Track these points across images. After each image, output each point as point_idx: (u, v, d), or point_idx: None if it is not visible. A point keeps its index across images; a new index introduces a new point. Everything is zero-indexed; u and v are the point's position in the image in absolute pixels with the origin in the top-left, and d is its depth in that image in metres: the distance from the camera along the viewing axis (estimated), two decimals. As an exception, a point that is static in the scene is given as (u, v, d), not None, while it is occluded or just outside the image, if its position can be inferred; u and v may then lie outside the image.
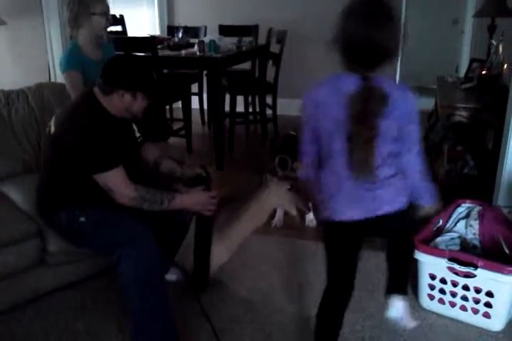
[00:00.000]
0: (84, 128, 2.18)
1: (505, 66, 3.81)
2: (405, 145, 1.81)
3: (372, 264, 2.88)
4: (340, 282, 2.06)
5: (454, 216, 2.80)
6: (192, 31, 5.67)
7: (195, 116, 5.53)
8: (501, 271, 2.25)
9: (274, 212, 3.47)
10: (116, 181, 2.20)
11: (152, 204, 2.23)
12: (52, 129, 2.29)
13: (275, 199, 3.05)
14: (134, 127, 2.48)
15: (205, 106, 5.83)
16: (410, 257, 2.25)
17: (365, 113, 1.71)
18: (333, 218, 1.87)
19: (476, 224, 2.71)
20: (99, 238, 2.27)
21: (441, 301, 2.49)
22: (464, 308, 2.43)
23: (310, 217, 3.49)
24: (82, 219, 2.25)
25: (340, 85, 1.79)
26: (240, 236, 2.79)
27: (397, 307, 2.08)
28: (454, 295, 2.43)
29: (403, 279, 2.16)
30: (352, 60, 1.74)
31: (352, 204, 1.84)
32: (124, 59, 2.41)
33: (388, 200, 1.84)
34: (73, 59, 3.21)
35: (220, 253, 2.68)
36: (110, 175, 2.19)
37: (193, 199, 2.39)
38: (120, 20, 5.65)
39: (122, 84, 2.23)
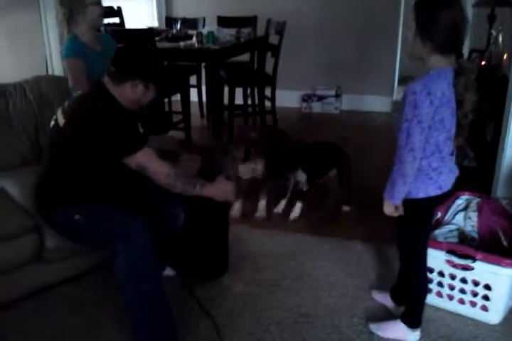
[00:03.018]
0: (103, 115, 2.18)
1: (505, 56, 3.79)
2: None
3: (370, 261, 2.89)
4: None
5: (453, 208, 2.79)
6: (190, 23, 5.65)
7: (194, 109, 5.51)
8: (499, 264, 2.25)
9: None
10: (150, 159, 2.20)
11: (186, 185, 2.26)
12: (62, 121, 2.26)
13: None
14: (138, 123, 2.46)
15: (204, 99, 5.80)
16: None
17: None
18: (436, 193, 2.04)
19: (474, 216, 2.70)
20: (94, 234, 2.27)
21: (439, 294, 2.48)
22: (462, 301, 2.43)
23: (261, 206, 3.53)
24: (77, 216, 2.24)
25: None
26: None
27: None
28: (452, 288, 2.43)
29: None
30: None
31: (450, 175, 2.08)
32: (138, 49, 2.44)
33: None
34: (73, 47, 3.21)
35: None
36: (143, 154, 2.18)
37: (222, 189, 2.42)
38: (118, 12, 5.61)
39: (139, 74, 2.24)
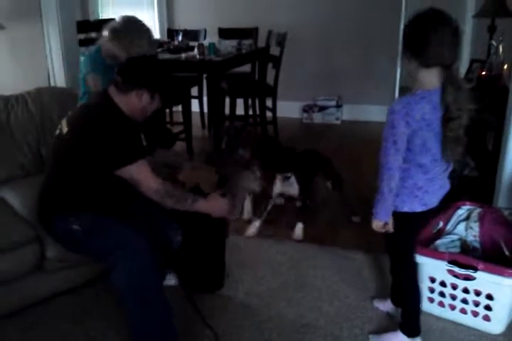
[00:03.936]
0: (105, 124, 2.19)
1: (506, 66, 3.80)
2: None
3: (371, 271, 2.88)
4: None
5: (454, 218, 2.78)
6: (192, 34, 5.68)
7: (195, 120, 5.52)
8: (501, 274, 2.24)
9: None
10: (142, 173, 2.20)
11: (177, 201, 2.25)
12: (65, 130, 2.27)
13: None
14: (142, 136, 2.46)
15: (205, 110, 5.82)
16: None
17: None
18: (420, 209, 2.09)
19: (476, 227, 2.70)
20: (92, 245, 2.26)
21: (441, 304, 2.47)
22: (463, 311, 2.42)
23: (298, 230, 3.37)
24: (76, 226, 2.24)
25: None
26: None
27: None
28: (453, 297, 2.42)
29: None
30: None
31: (437, 192, 2.12)
32: (146, 60, 2.46)
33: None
34: (96, 62, 3.08)
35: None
36: (136, 167, 2.18)
37: (216, 206, 2.41)
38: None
39: (146, 83, 2.26)
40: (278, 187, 3.33)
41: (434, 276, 2.44)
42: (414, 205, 2.08)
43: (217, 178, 2.93)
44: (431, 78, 1.91)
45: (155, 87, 2.29)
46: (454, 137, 1.97)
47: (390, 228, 2.11)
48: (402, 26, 5.62)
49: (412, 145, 1.95)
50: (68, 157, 2.27)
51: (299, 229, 3.36)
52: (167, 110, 5.35)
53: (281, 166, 3.26)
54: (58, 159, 2.34)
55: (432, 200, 2.12)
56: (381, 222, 2.10)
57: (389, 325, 2.44)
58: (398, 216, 2.11)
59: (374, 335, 2.38)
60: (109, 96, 2.27)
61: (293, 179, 3.29)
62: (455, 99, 1.91)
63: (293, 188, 3.31)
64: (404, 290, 2.31)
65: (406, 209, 2.09)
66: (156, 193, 2.22)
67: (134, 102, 2.26)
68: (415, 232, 2.27)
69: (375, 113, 5.99)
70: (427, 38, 1.84)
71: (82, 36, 4.69)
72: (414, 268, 2.30)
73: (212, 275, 2.78)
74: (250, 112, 5.72)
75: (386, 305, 2.54)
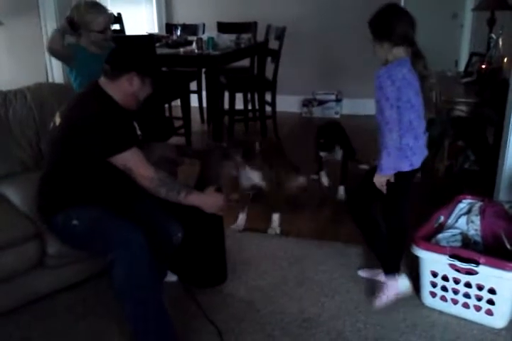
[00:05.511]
0: (95, 112, 2.18)
1: (505, 60, 3.78)
2: None
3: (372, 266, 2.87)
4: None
5: (455, 212, 2.78)
6: (190, 29, 5.66)
7: (195, 114, 5.51)
8: (503, 268, 2.23)
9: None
10: (135, 161, 2.19)
11: (170, 191, 2.23)
12: (58, 121, 2.28)
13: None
14: (135, 125, 2.45)
15: (204, 104, 5.81)
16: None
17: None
18: (408, 168, 2.41)
19: (477, 220, 2.69)
20: (91, 241, 2.25)
21: (443, 298, 2.47)
22: (466, 305, 2.41)
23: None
24: (75, 222, 2.23)
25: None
26: None
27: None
28: (456, 292, 2.42)
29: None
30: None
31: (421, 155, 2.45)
32: (131, 45, 2.46)
33: None
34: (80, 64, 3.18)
35: None
36: (129, 155, 2.17)
37: (209, 200, 2.38)
38: (118, 19, 5.62)
39: (133, 67, 2.24)
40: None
41: (436, 271, 2.43)
42: (405, 165, 2.38)
43: (197, 171, 2.86)
44: (401, 53, 2.33)
45: (143, 69, 2.27)
46: (428, 97, 2.43)
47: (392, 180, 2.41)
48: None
49: (400, 102, 2.29)
50: (62, 147, 2.27)
51: (275, 220, 3.38)
52: (166, 105, 5.33)
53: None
54: (53, 151, 2.35)
55: (418, 161, 2.43)
56: (385, 176, 2.37)
57: (392, 315, 2.45)
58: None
59: (375, 301, 2.55)
60: (99, 86, 2.27)
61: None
62: (424, 67, 2.38)
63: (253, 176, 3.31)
64: (394, 227, 2.56)
65: (398, 169, 2.38)
66: (149, 181, 2.20)
67: (125, 88, 2.25)
68: (407, 189, 2.53)
69: (374, 107, 5.98)
70: (393, 23, 2.30)
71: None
72: (407, 215, 2.57)
73: (214, 269, 2.77)
74: (249, 107, 5.71)
75: (369, 273, 2.81)
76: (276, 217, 3.38)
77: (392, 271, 2.56)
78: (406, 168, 2.40)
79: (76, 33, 3.18)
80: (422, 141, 2.44)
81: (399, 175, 2.40)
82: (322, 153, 3.85)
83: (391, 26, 2.30)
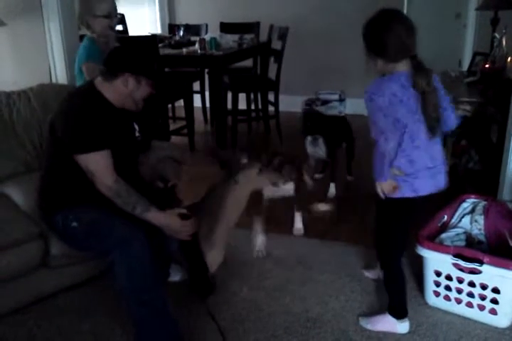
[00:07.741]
0: (74, 108, 2.19)
1: (509, 59, 3.78)
2: None
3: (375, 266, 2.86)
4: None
5: (459, 211, 2.77)
6: (193, 29, 5.67)
7: (198, 115, 5.51)
8: (507, 267, 2.23)
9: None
10: (97, 165, 2.16)
11: (125, 205, 2.18)
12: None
13: (250, 185, 2.76)
14: (136, 126, 2.45)
15: (208, 105, 5.81)
16: None
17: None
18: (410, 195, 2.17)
19: (481, 220, 2.69)
20: (91, 242, 2.26)
21: (447, 298, 2.47)
22: (470, 305, 2.41)
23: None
24: (75, 224, 2.23)
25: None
26: (225, 233, 2.67)
27: None
28: (459, 291, 2.41)
29: None
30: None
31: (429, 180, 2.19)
32: (126, 46, 2.48)
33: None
34: (90, 51, 3.21)
35: (214, 257, 2.54)
36: (92, 158, 2.15)
37: (165, 222, 2.24)
38: (121, 20, 5.64)
39: (127, 67, 2.23)
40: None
41: (440, 270, 2.43)
42: (403, 191, 2.17)
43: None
44: (398, 67, 2.08)
45: (137, 69, 2.25)
46: (431, 116, 2.09)
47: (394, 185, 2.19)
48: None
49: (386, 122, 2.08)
50: (50, 144, 2.29)
51: (298, 220, 3.35)
52: (169, 105, 5.34)
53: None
54: (46, 149, 2.37)
55: (423, 187, 2.18)
56: (383, 184, 2.15)
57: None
58: (388, 202, 2.21)
59: (363, 317, 2.45)
60: (93, 84, 2.28)
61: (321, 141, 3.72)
62: (428, 83, 2.05)
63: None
64: (388, 272, 2.39)
65: (397, 195, 2.18)
66: (106, 189, 2.17)
67: (120, 89, 2.25)
68: (406, 220, 2.30)
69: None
70: (385, 39, 2.03)
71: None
72: (401, 253, 2.37)
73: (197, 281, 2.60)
74: (252, 107, 5.71)
75: (374, 273, 2.76)
76: (299, 218, 3.34)
77: (397, 315, 2.36)
78: (408, 193, 2.16)
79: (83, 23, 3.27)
80: (421, 163, 2.14)
81: (400, 200, 2.19)
82: (309, 148, 3.81)
83: (383, 43, 2.03)
